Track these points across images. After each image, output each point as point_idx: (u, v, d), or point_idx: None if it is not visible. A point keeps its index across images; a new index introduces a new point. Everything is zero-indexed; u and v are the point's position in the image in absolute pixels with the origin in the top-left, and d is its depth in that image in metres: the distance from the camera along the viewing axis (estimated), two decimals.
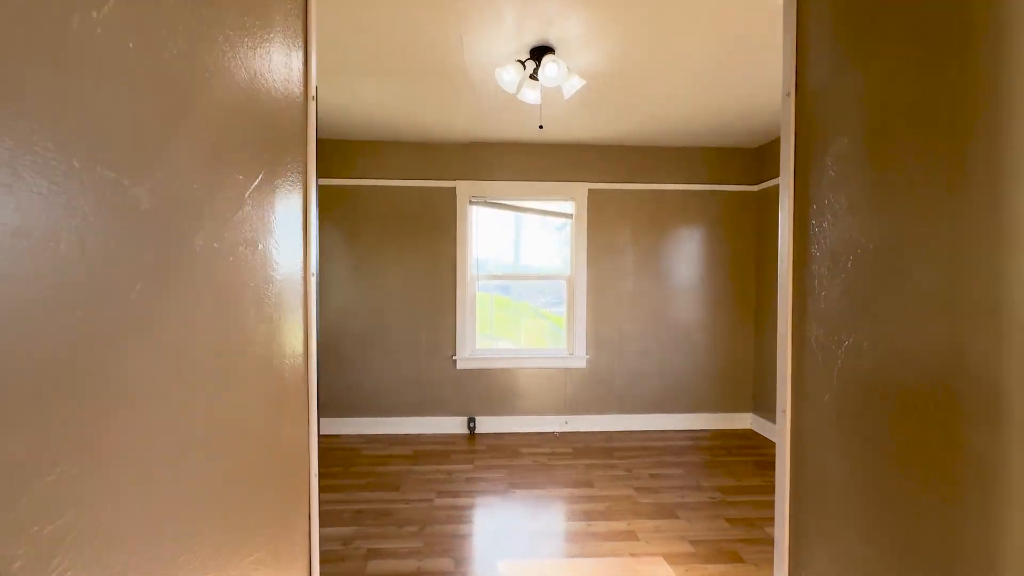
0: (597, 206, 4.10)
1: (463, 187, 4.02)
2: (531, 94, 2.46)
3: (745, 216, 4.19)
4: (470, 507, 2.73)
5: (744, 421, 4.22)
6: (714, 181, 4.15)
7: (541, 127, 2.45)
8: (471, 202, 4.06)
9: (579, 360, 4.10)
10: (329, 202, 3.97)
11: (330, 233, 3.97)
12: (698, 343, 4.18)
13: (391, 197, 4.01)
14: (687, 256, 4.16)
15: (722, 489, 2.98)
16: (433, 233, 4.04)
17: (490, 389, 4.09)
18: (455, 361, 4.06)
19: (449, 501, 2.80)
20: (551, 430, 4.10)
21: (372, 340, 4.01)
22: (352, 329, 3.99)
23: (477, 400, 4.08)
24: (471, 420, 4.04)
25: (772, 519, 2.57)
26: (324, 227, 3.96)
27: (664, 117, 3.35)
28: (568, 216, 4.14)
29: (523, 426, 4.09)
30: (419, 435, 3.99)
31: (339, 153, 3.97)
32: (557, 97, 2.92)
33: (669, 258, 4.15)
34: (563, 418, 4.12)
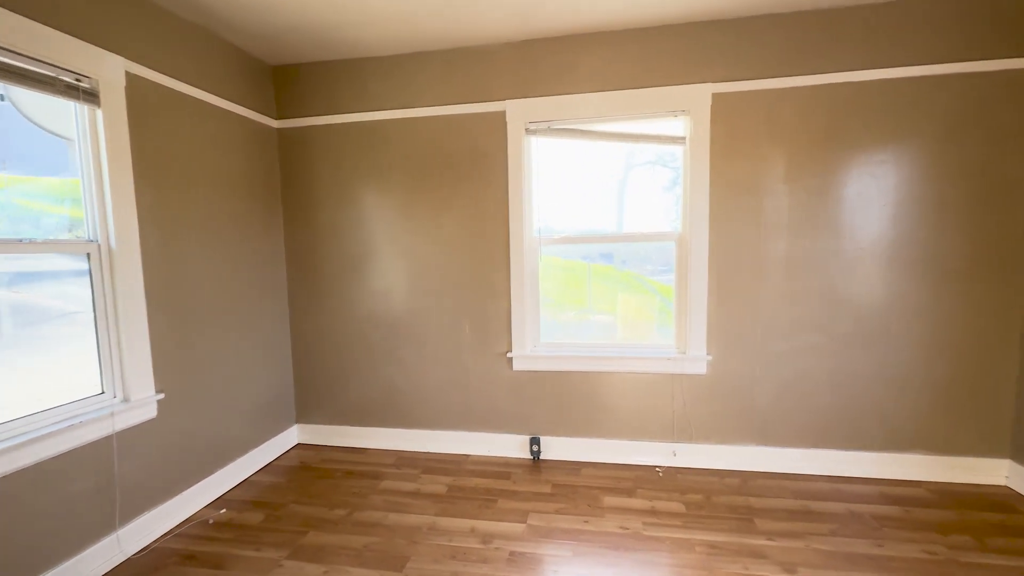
0: (727, 121, 2.56)
1: (516, 109, 2.75)
2: None
3: (1011, 119, 2.34)
4: None
5: (994, 473, 2.49)
6: (947, 57, 2.35)
7: None
8: (529, 131, 2.78)
9: (696, 362, 2.70)
10: (347, 146, 2.97)
11: (359, 191, 2.98)
12: (906, 338, 2.52)
13: (418, 133, 2.89)
14: (889, 196, 2.46)
15: None
16: (475, 180, 2.85)
17: (562, 399, 2.88)
18: (510, 359, 2.91)
19: None
20: (651, 463, 2.80)
21: (407, 329, 3.02)
22: (384, 314, 3.03)
23: (543, 413, 2.92)
24: (534, 442, 2.90)
25: None
26: (349, 183, 2.99)
27: None
28: (678, 141, 2.67)
29: (609, 454, 2.85)
30: (465, 457, 2.96)
31: (348, 77, 2.93)
32: None
33: (854, 201, 2.49)
34: (670, 447, 2.78)
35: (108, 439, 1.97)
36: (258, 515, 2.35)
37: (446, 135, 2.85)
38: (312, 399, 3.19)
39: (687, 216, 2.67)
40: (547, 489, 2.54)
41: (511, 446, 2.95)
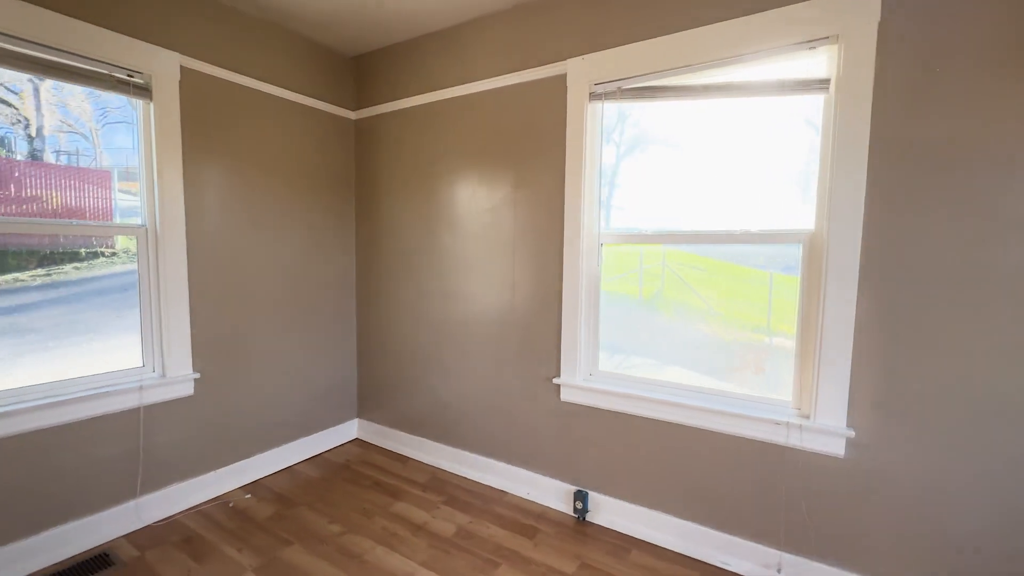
0: (910, 44, 1.53)
1: (578, 69, 2.15)
2: None
3: None
4: None
5: None
6: None
7: None
8: (593, 96, 2.14)
9: (826, 436, 1.71)
10: (407, 133, 2.78)
11: (415, 182, 2.75)
12: None
13: (473, 112, 2.51)
14: None
15: None
16: (529, 163, 2.35)
17: (620, 449, 2.18)
18: (557, 387, 2.32)
19: None
20: (739, 572, 1.89)
21: (451, 335, 2.68)
22: (431, 316, 2.75)
23: (594, 462, 2.25)
24: (579, 496, 2.25)
25: None
26: (407, 173, 2.79)
27: None
28: (814, 88, 1.72)
29: (677, 539, 2.03)
30: (501, 494, 2.48)
31: (409, 58, 2.72)
32: None
33: None
34: (773, 555, 1.83)
35: (137, 410, 2.10)
36: (269, 509, 2.30)
37: (501, 112, 2.41)
38: (372, 396, 3.11)
39: (825, 203, 1.70)
40: (571, 568, 1.90)
41: (554, 494, 2.36)
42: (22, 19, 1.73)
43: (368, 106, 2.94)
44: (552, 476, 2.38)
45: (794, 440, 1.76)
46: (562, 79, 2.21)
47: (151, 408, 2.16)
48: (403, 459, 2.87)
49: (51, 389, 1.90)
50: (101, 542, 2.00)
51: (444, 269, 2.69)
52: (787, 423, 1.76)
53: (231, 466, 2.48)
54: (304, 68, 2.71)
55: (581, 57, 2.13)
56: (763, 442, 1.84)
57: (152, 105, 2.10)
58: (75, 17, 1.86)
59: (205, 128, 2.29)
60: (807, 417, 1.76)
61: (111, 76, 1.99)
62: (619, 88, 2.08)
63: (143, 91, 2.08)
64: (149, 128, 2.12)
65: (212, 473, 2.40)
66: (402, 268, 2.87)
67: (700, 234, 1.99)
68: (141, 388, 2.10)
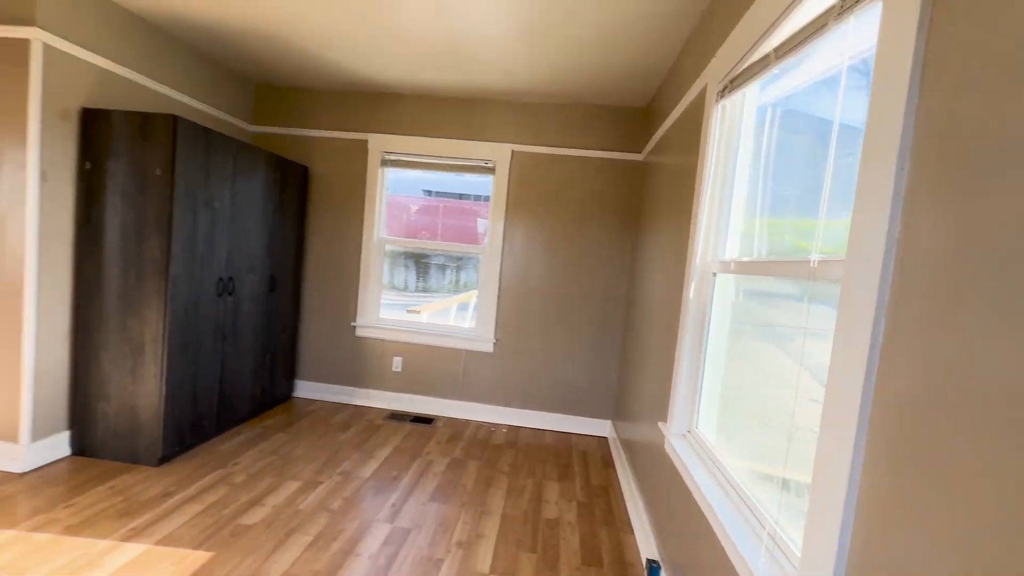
0: None
1: (712, 71, 1.86)
2: None
3: None
4: None
5: None
6: None
7: None
8: (719, 95, 1.78)
9: None
10: (654, 169, 3.04)
11: (652, 216, 3.01)
12: None
13: (668, 139, 2.50)
14: None
15: None
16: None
17: (695, 545, 1.73)
18: (663, 436, 2.03)
19: None
20: None
21: (640, 352, 2.73)
22: (635, 332, 2.89)
23: (673, 539, 1.85)
24: (651, 566, 1.91)
25: None
26: (646, 208, 3.08)
27: None
28: None
29: None
30: (622, 526, 2.38)
31: (655, 103, 2.91)
32: None
33: None
34: None
35: (460, 350, 3.70)
36: (499, 441, 3.33)
37: (679, 138, 2.32)
38: (620, 403, 3.46)
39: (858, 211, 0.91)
40: None
41: (646, 552, 2.07)
42: (442, 147, 3.62)
43: (646, 147, 3.33)
44: (653, 531, 2.09)
45: None
46: (702, 93, 1.95)
47: (471, 352, 3.70)
48: (609, 465, 3.12)
49: (430, 327, 3.78)
50: (435, 413, 3.72)
51: (645, 292, 2.76)
52: None
53: (504, 408, 3.69)
54: (599, 127, 3.50)
55: (713, 63, 1.84)
56: None
57: (494, 177, 3.61)
58: (464, 139, 3.60)
59: (522, 186, 3.58)
60: None
61: (479, 166, 3.64)
62: (731, 81, 1.67)
63: (490, 171, 3.62)
64: (493, 193, 3.65)
65: (491, 406, 3.70)
66: (637, 291, 3.10)
67: (765, 264, 1.34)
68: (460, 339, 3.68)
